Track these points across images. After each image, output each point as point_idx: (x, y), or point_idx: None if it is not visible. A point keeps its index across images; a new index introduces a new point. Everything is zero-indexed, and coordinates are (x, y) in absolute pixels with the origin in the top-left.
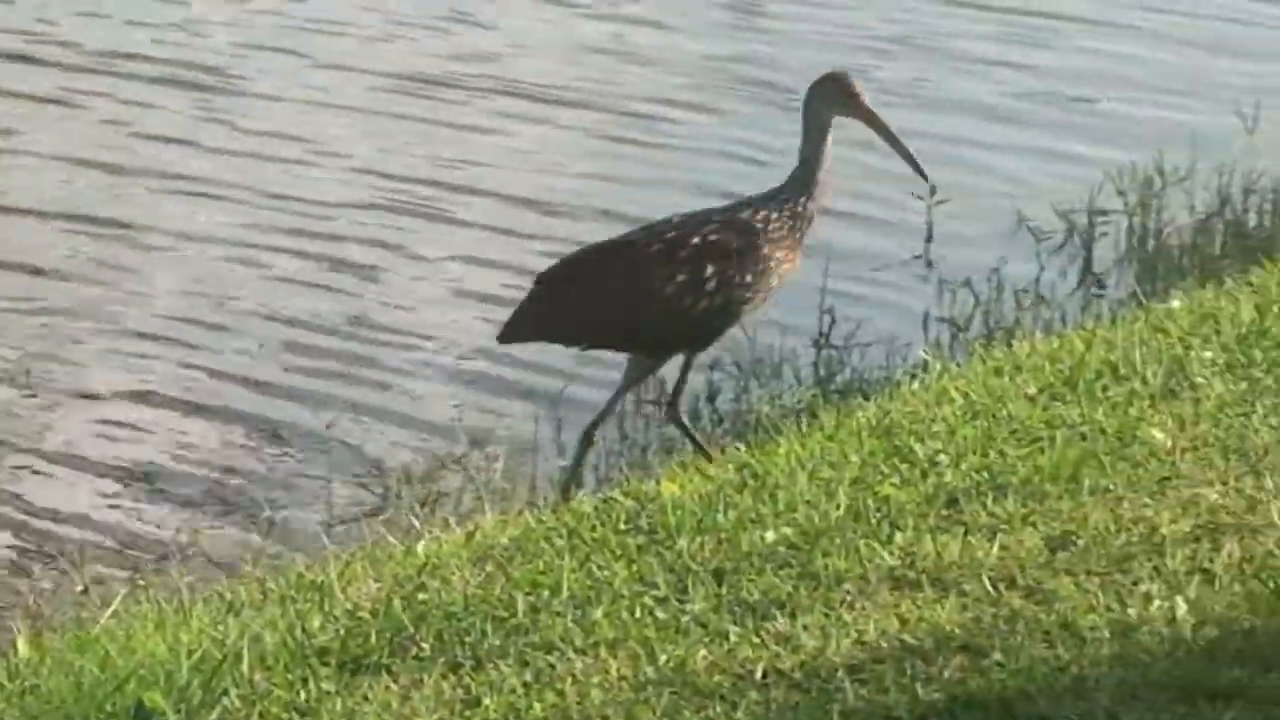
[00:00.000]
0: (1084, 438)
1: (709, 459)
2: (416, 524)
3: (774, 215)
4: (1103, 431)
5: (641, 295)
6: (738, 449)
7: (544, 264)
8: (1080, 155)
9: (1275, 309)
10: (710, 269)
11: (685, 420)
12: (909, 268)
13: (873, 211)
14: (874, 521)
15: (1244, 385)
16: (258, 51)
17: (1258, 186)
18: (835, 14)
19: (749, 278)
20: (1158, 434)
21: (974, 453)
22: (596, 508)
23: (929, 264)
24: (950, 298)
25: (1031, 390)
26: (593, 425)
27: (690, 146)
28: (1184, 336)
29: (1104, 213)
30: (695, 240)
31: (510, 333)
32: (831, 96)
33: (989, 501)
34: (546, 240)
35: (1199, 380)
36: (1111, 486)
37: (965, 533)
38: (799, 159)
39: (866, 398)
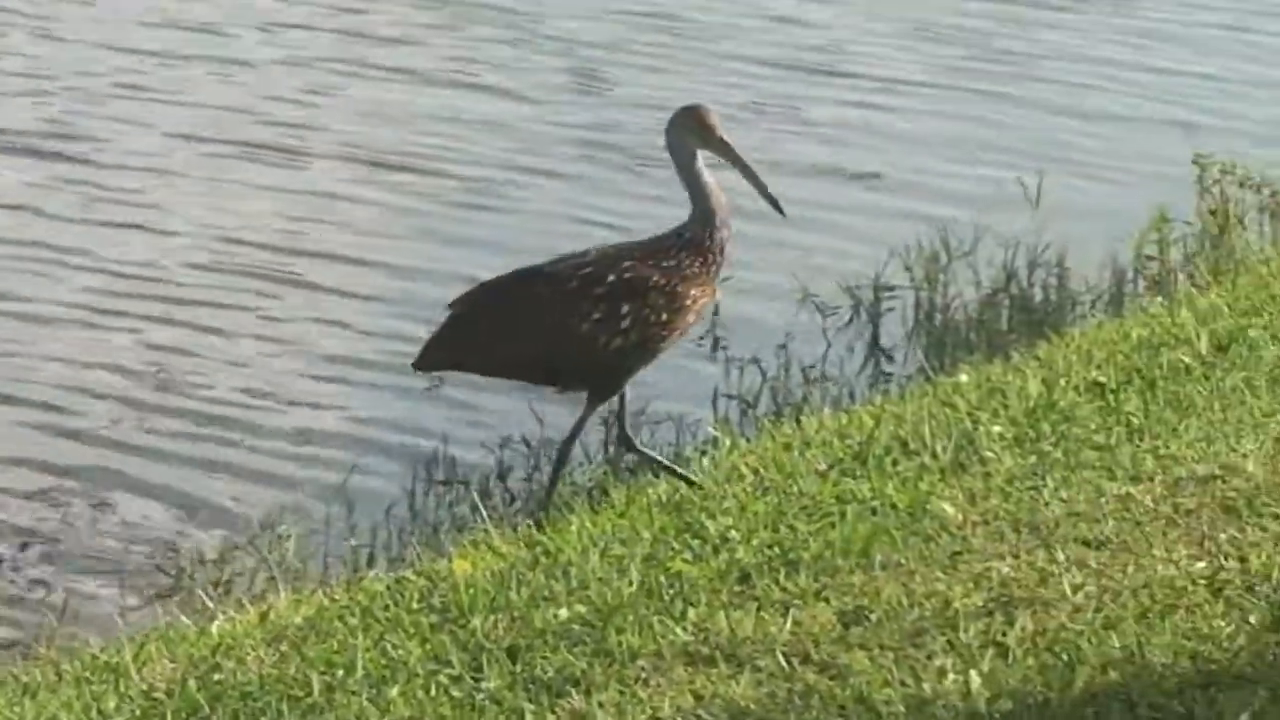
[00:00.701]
0: (875, 512)
1: (690, 483)
2: (210, 604)
3: (684, 252)
4: (893, 506)
5: (557, 332)
6: (529, 527)
7: (386, 327)
8: (866, 231)
9: (1062, 382)
10: (626, 307)
11: (642, 448)
12: (697, 345)
13: None
14: (667, 598)
15: (1033, 459)
16: (104, 119)
17: (1042, 260)
18: (679, 80)
19: (665, 315)
20: (948, 508)
21: (765, 528)
22: (389, 586)
23: (716, 341)
24: (739, 375)
25: (822, 466)
26: (567, 443)
27: (535, 210)
28: (972, 411)
29: (890, 288)
30: (611, 278)
31: (424, 360)
32: (687, 128)
33: (781, 577)
34: (388, 305)
35: (988, 454)
36: (903, 561)
37: (758, 608)
38: (689, 195)
39: (657, 475)
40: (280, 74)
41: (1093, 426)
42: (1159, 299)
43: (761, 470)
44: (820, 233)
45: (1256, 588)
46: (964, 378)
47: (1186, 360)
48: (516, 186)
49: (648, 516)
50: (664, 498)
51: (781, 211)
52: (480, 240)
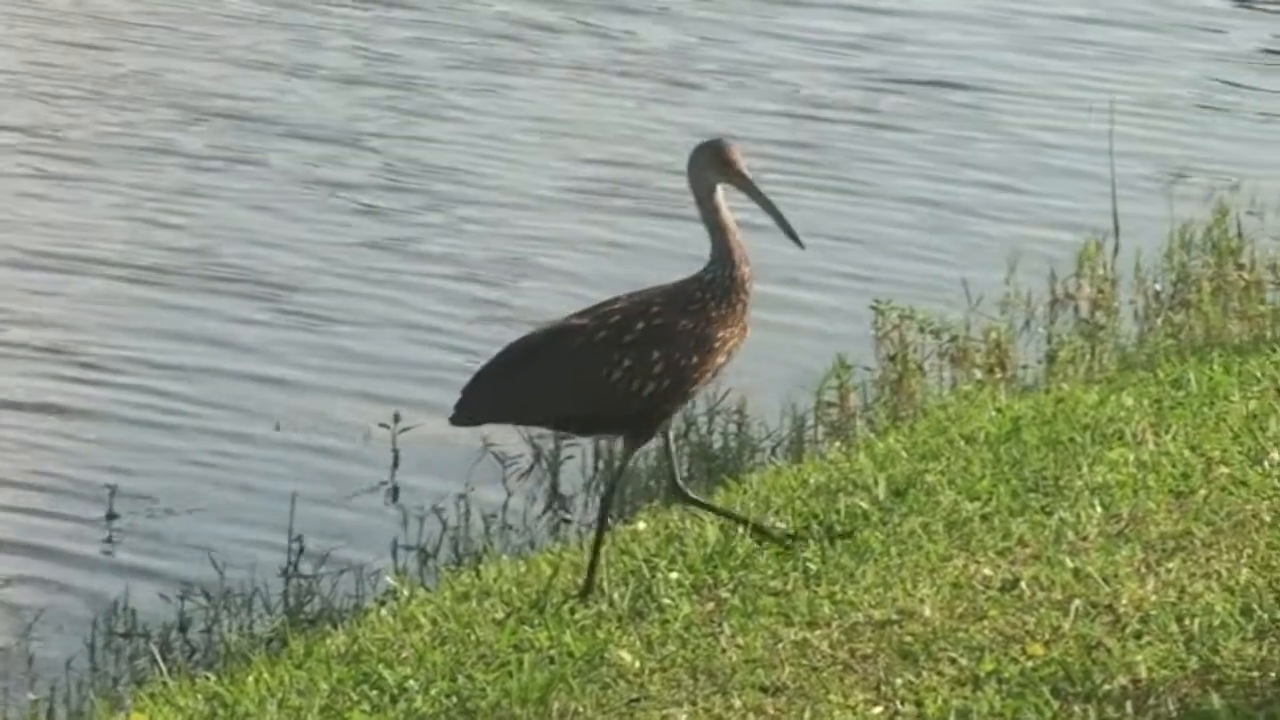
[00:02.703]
0: (552, 660)
1: (747, 524)
2: None
3: (708, 294)
4: (571, 654)
5: (589, 381)
6: (207, 679)
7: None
8: None
9: (740, 529)
10: (656, 353)
11: (695, 496)
12: (376, 495)
13: (336, 442)
14: None
15: (710, 605)
16: None
17: (722, 407)
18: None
19: (695, 358)
20: (626, 655)
21: (443, 678)
22: None
23: (396, 491)
24: (419, 524)
25: (499, 614)
26: (609, 492)
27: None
28: (650, 558)
29: (570, 437)
30: (640, 325)
31: (460, 415)
32: (707, 164)
33: None
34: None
35: (666, 601)
36: (581, 709)
37: None
38: (709, 235)
39: (336, 625)
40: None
41: (770, 573)
42: (838, 445)
43: (440, 620)
44: None
45: None
46: (642, 525)
47: (864, 505)
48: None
49: (325, 667)
50: (342, 648)
51: (801, 245)
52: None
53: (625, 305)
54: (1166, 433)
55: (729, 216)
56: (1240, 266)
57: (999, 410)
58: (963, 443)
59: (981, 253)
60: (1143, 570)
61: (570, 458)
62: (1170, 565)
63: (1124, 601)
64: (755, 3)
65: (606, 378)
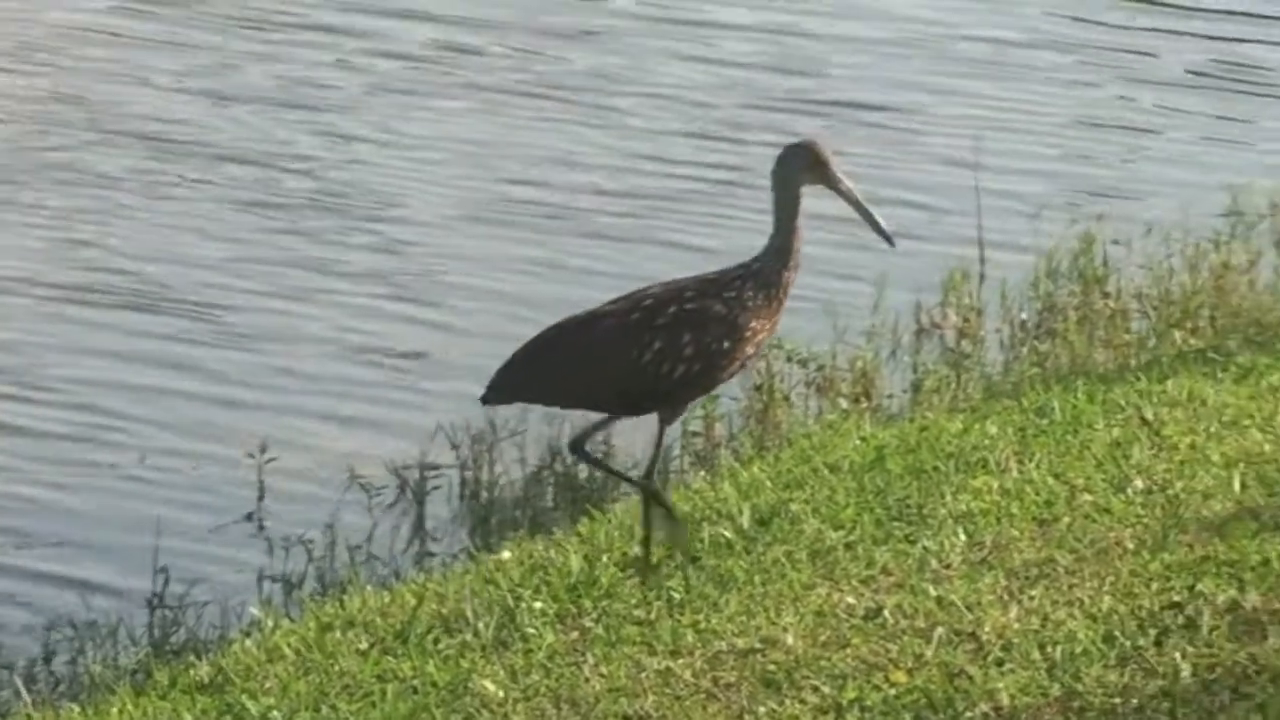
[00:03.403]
0: (416, 690)
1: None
2: None
3: (748, 284)
4: (434, 684)
5: (621, 362)
6: (72, 710)
7: None
8: (413, 411)
9: (604, 558)
10: (688, 336)
11: (658, 490)
12: (242, 526)
13: (200, 473)
14: None
15: (575, 634)
16: None
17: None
18: None
19: (726, 344)
20: (489, 685)
21: (307, 708)
22: None
23: (262, 522)
24: (284, 555)
25: (363, 645)
26: (648, 474)
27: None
28: (514, 588)
29: (436, 468)
30: (673, 308)
31: (492, 394)
32: (803, 164)
33: None
34: None
35: (530, 631)
36: None
37: None
38: (774, 227)
39: (200, 656)
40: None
41: (634, 601)
42: (703, 474)
43: (304, 650)
44: (366, 410)
45: None
46: (507, 555)
47: (728, 535)
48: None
49: (190, 698)
50: (206, 679)
51: (891, 243)
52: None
53: (660, 290)
54: (1030, 461)
55: (800, 221)
56: (1106, 295)
57: (863, 439)
58: (827, 471)
59: (852, 281)
60: (1006, 598)
61: (436, 489)
62: (1033, 593)
63: (987, 629)
64: (675, 26)
65: (637, 359)
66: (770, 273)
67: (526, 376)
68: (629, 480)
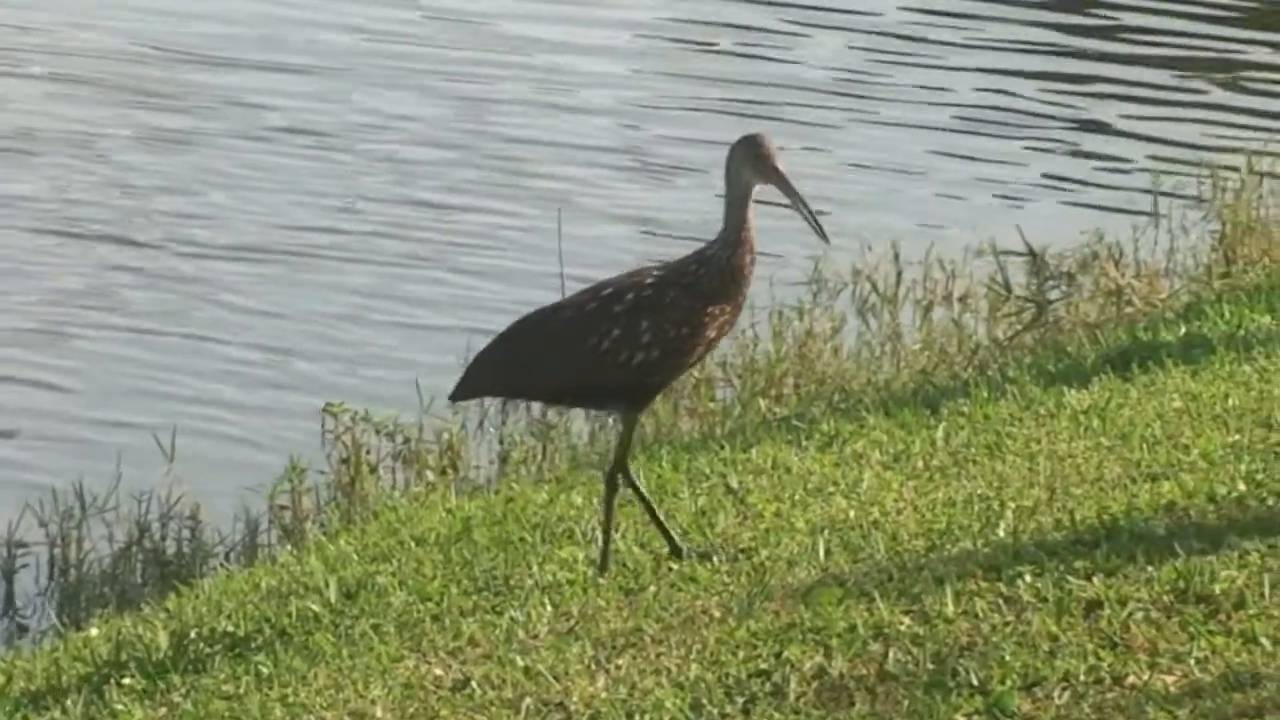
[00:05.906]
0: None
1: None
2: None
3: (702, 269)
4: None
5: (581, 351)
6: None
7: None
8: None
9: (193, 634)
10: (645, 323)
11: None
12: None
13: None
14: None
15: (163, 710)
16: None
17: (176, 513)
18: None
19: (685, 330)
20: None
21: None
22: None
23: None
24: None
25: None
26: (614, 471)
27: None
28: (103, 665)
29: (24, 545)
30: (630, 296)
31: (460, 391)
32: (751, 156)
33: None
34: None
35: (119, 707)
36: None
37: None
38: (725, 216)
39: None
40: None
41: (222, 676)
42: (289, 548)
43: None
44: None
45: None
46: (95, 632)
47: (315, 608)
48: None
49: None
50: None
51: (826, 239)
52: None
53: (620, 279)
54: (616, 530)
55: (752, 213)
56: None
57: (449, 511)
58: (414, 544)
59: (436, 351)
60: (593, 667)
61: (25, 566)
62: (620, 662)
63: (575, 698)
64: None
65: (596, 347)
66: (720, 259)
67: (493, 372)
68: (662, 527)
